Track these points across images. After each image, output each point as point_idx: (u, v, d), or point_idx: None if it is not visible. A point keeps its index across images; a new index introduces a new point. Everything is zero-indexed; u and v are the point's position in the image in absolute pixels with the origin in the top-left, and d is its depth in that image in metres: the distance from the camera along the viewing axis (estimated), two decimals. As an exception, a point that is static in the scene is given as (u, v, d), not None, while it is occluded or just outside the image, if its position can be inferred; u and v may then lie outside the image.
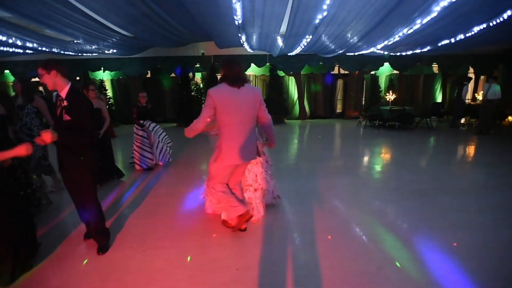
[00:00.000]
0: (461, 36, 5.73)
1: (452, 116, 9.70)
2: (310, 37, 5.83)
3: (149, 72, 11.17)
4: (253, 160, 3.02)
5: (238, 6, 4.02)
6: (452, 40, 6.09)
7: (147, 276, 2.29)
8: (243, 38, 6.38)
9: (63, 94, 2.35)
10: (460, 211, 3.31)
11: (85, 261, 2.49)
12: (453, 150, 6.62)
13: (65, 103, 2.32)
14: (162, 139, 5.26)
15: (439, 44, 6.60)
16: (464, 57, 10.58)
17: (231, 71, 2.46)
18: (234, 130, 2.51)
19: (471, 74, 11.57)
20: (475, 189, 4.05)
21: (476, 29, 5.14)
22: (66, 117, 2.32)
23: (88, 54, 8.34)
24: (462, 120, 10.33)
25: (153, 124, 5.12)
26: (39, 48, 6.40)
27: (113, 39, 6.23)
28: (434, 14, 4.13)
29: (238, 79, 2.45)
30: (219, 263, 2.43)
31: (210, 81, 10.12)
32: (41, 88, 8.22)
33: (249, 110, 2.51)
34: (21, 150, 2.02)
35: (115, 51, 7.77)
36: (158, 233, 2.94)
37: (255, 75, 11.44)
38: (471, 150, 6.59)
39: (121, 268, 2.39)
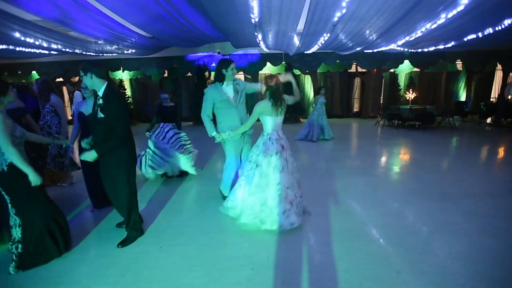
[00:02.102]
0: (490, 30, 5.40)
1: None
2: (328, 35, 5.71)
3: (166, 71, 11.39)
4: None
5: (255, 4, 3.99)
6: (480, 35, 5.76)
7: (163, 272, 2.33)
8: (260, 37, 6.35)
9: (100, 93, 2.53)
10: (486, 216, 3.15)
11: (104, 257, 2.57)
12: (478, 151, 6.30)
13: (100, 101, 2.52)
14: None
15: (465, 39, 6.27)
16: (491, 53, 10.01)
17: None
18: None
19: (499, 70, 10.97)
20: (503, 192, 3.83)
21: (507, 22, 4.80)
22: (101, 115, 2.52)
23: (108, 54, 8.59)
24: (488, 120, 9.81)
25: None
26: (63, 49, 6.67)
27: (132, 39, 6.39)
28: (460, 8, 3.91)
29: None
30: (235, 261, 2.43)
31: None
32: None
33: None
34: (34, 177, 2.25)
35: (133, 51, 7.96)
36: (174, 230, 2.99)
37: (271, 74, 11.39)
38: (498, 151, 6.25)
39: (138, 263, 2.45)
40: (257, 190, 2.89)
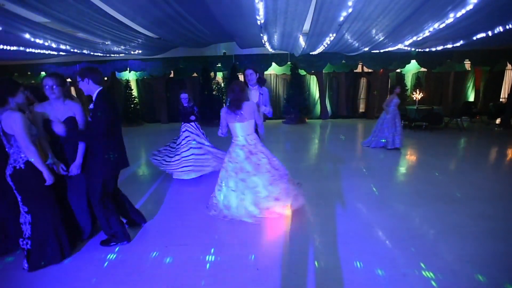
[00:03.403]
0: (500, 29, 5.30)
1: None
2: (334, 35, 5.67)
3: (172, 72, 11.47)
4: None
5: (261, 6, 3.98)
6: (490, 33, 5.65)
7: (168, 271, 2.34)
8: (265, 38, 6.35)
9: (94, 98, 2.54)
10: (495, 219, 3.09)
11: (111, 256, 2.60)
12: (487, 152, 6.20)
13: (91, 106, 2.52)
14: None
15: (474, 38, 6.16)
16: (501, 52, 9.82)
17: None
18: None
19: (509, 70, 10.77)
20: (512, 195, 3.77)
21: (517, 19, 4.70)
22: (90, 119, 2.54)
23: (115, 55, 8.69)
24: (497, 121, 9.64)
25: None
26: (71, 50, 6.77)
27: (139, 40, 6.45)
28: (470, 7, 3.85)
29: None
30: (240, 262, 2.44)
31: (231, 81, 10.22)
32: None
33: None
34: (48, 176, 2.31)
35: (140, 51, 8.03)
36: (179, 230, 3.01)
37: (276, 74, 11.39)
38: (507, 152, 6.13)
39: (144, 262, 2.47)
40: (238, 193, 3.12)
